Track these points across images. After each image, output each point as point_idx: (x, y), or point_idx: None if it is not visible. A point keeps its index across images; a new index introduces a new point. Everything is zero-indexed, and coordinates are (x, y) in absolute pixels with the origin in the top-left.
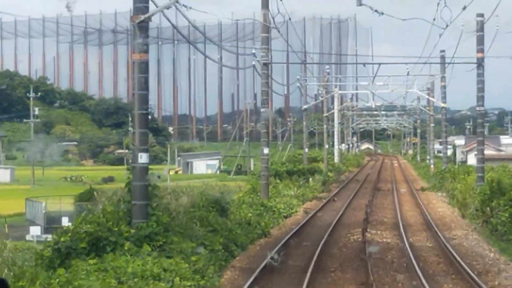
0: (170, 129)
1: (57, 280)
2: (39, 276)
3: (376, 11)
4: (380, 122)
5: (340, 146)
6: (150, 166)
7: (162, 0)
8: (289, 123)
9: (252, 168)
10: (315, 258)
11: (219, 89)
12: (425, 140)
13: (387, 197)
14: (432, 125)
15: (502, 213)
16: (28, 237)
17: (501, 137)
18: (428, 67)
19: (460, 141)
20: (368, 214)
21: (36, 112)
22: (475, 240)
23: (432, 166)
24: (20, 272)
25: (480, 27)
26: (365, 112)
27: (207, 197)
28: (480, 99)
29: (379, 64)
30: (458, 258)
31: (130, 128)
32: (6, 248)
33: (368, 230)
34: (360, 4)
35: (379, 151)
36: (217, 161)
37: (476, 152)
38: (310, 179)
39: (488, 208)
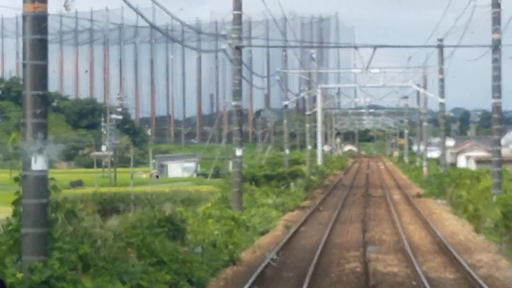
0: (149, 131)
1: None
2: None
3: None
4: (365, 122)
5: (323, 148)
6: (125, 169)
7: None
8: (269, 124)
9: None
10: None
11: (197, 89)
12: (411, 141)
13: (381, 206)
14: (425, 124)
15: None
16: None
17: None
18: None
19: (449, 142)
20: (364, 232)
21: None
22: (509, 269)
23: (424, 169)
24: None
25: (496, 3)
26: (350, 110)
27: (156, 213)
28: (497, 89)
29: (375, 47)
30: None
31: (102, 129)
32: None
33: (366, 253)
34: None
35: (362, 152)
36: (194, 163)
37: (467, 154)
38: (292, 184)
39: None
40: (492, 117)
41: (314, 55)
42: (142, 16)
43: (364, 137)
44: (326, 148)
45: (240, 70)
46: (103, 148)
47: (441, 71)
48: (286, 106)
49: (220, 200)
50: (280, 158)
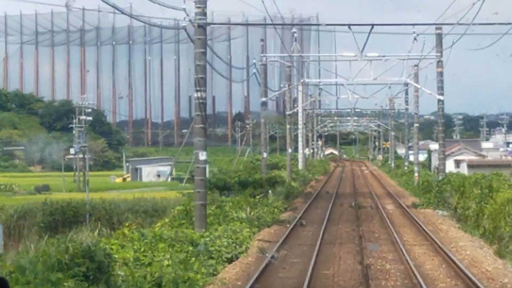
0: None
1: None
2: None
3: None
4: (348, 124)
5: (304, 151)
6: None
7: None
8: (247, 126)
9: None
10: None
11: (176, 91)
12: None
13: (374, 219)
14: (417, 125)
15: None
16: None
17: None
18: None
19: (435, 145)
20: (360, 258)
21: None
22: None
23: (416, 174)
24: None
25: None
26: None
27: (69, 246)
28: None
29: (372, 25)
30: None
31: (74, 132)
32: None
33: None
34: None
35: (344, 156)
36: (169, 167)
37: (455, 157)
38: (270, 191)
39: None
40: None
41: (296, 35)
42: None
43: (346, 140)
44: (307, 151)
45: (203, 54)
46: (71, 151)
47: (439, 64)
48: (264, 103)
49: (181, 214)
50: (258, 162)
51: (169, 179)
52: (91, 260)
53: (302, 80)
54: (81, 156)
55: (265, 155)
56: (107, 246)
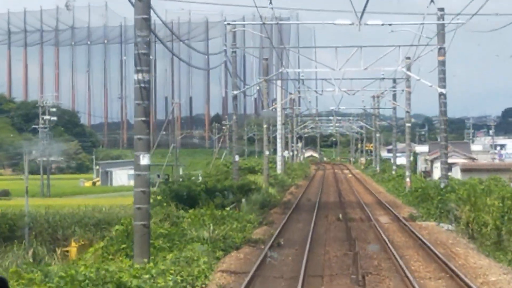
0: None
1: None
2: None
3: None
4: (331, 125)
5: (283, 153)
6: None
7: None
8: (224, 127)
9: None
10: None
11: (152, 92)
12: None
13: (368, 236)
14: (408, 124)
15: None
16: None
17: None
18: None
19: (421, 147)
20: None
21: None
22: None
23: (407, 180)
24: None
25: None
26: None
27: None
28: None
29: None
30: None
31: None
32: None
33: None
34: None
35: (325, 159)
36: None
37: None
38: (243, 201)
39: None
40: None
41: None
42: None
43: (326, 142)
44: (287, 154)
45: (146, 21)
46: (33, 153)
47: (441, 51)
48: (235, 97)
49: (120, 237)
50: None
51: None
52: None
53: (280, 70)
54: (44, 159)
55: (237, 158)
56: None
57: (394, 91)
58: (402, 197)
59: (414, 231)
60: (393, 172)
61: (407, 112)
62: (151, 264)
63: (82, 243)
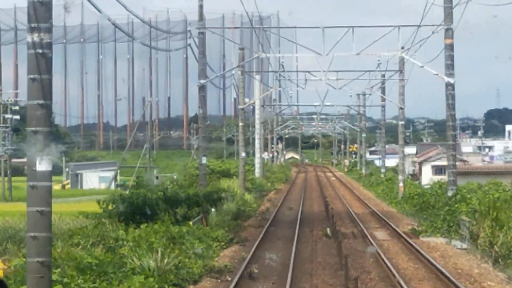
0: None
1: None
2: None
3: None
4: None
5: (262, 155)
6: None
7: None
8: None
9: (156, 181)
10: None
11: (129, 92)
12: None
13: (365, 261)
14: (402, 122)
15: None
16: None
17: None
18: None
19: (408, 149)
20: None
21: None
22: None
23: (401, 185)
24: None
25: None
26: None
27: None
28: None
29: None
30: None
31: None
32: None
33: None
34: None
35: (306, 160)
36: (113, 172)
37: (433, 163)
38: (213, 211)
39: None
40: None
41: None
42: None
43: (307, 144)
44: (266, 156)
45: None
46: None
47: (448, 33)
48: (202, 87)
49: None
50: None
51: (112, 186)
52: None
53: (257, 55)
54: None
55: (204, 160)
56: None
57: (383, 82)
58: (396, 205)
59: (423, 253)
60: (382, 176)
61: (401, 108)
62: None
63: (14, 263)
